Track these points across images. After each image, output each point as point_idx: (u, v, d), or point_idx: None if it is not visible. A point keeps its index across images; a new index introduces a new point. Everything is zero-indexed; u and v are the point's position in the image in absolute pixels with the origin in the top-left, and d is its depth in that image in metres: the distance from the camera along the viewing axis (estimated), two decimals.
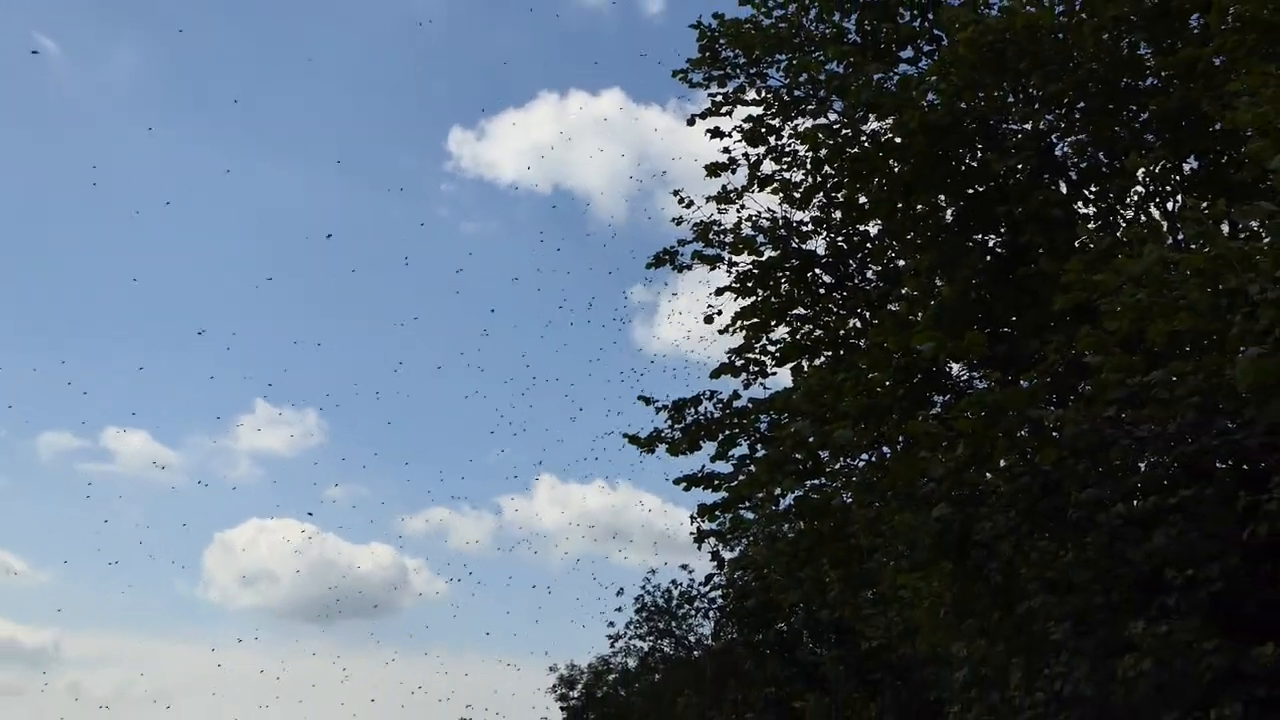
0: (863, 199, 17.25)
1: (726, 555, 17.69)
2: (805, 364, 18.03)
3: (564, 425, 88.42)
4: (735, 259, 18.29)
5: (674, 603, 22.23)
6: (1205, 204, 12.80)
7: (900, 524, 10.07)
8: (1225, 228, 9.81)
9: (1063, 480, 7.96)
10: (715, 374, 18.86)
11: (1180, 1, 14.60)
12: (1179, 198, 15.24)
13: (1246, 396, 6.98)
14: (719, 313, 19.11)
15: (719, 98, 18.44)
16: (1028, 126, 16.45)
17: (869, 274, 18.07)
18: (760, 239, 18.07)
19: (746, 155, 18.32)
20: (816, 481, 17.09)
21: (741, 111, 18.24)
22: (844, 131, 17.37)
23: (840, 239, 18.04)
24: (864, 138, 17.16)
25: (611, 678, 27.32)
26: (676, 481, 18.64)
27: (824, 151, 17.39)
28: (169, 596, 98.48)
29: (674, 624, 21.46)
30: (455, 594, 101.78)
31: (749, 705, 9.38)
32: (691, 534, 18.60)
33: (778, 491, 17.14)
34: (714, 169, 18.47)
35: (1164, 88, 15.17)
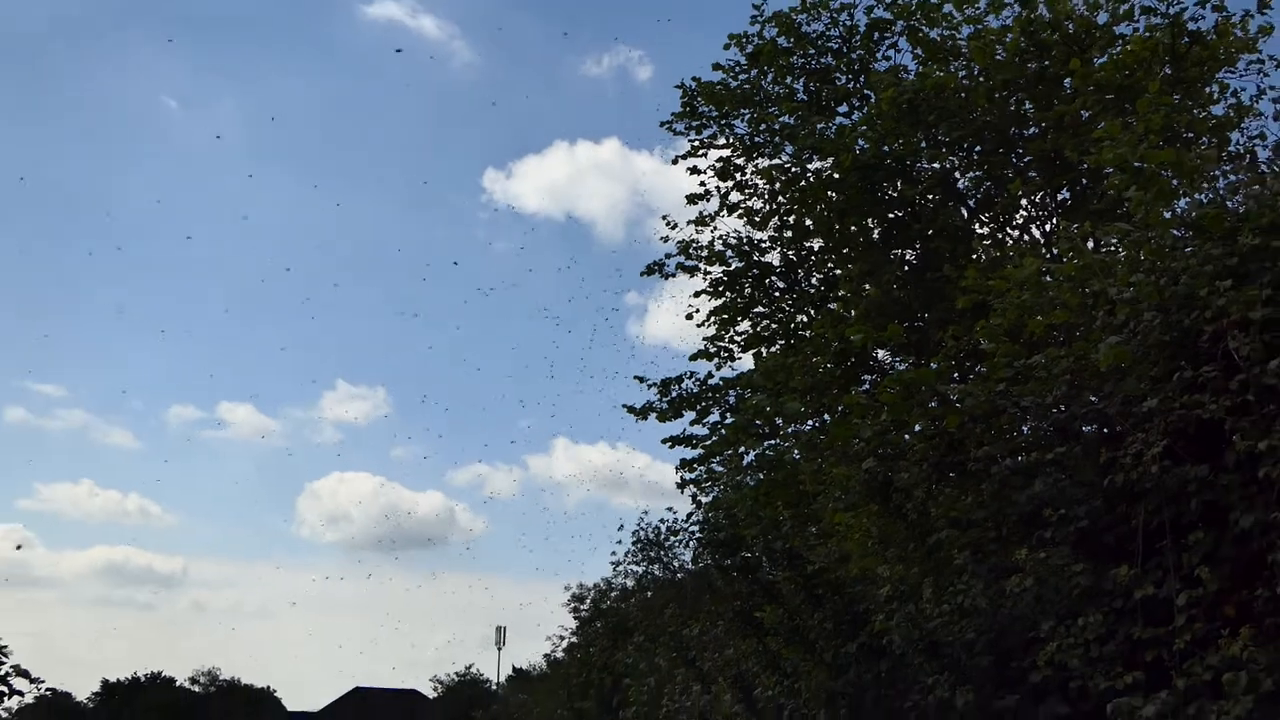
0: (808, 221, 18.21)
1: (703, 499, 18.52)
2: (763, 350, 18.71)
3: (575, 399, 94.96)
4: (709, 269, 19.35)
5: (662, 536, 22.64)
6: (1074, 225, 13.21)
7: (837, 475, 10.02)
8: (1090, 243, 9.91)
9: (964, 440, 8.13)
10: (693, 358, 19.79)
11: (1054, 69, 15.39)
12: (1054, 220, 16.08)
13: (1106, 375, 6.98)
14: (697, 311, 19.59)
15: (696, 143, 19.26)
16: (935, 165, 17.07)
17: (813, 280, 18.71)
18: (728, 253, 18.78)
19: (718, 188, 19.10)
20: (772, 442, 17.96)
21: (714, 154, 19.11)
22: (793, 169, 18.20)
23: (790, 253, 18.70)
24: (809, 174, 17.96)
25: (613, 594, 27.91)
26: (663, 441, 19.64)
27: (778, 185, 18.36)
28: (270, 533, 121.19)
29: (662, 553, 21.80)
30: (491, 530, 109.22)
31: (720, 615, 10.07)
32: (676, 483, 19.35)
33: (742, 450, 18.34)
34: (692, 198, 19.39)
35: (1042, 135, 15.91)
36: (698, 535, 16.54)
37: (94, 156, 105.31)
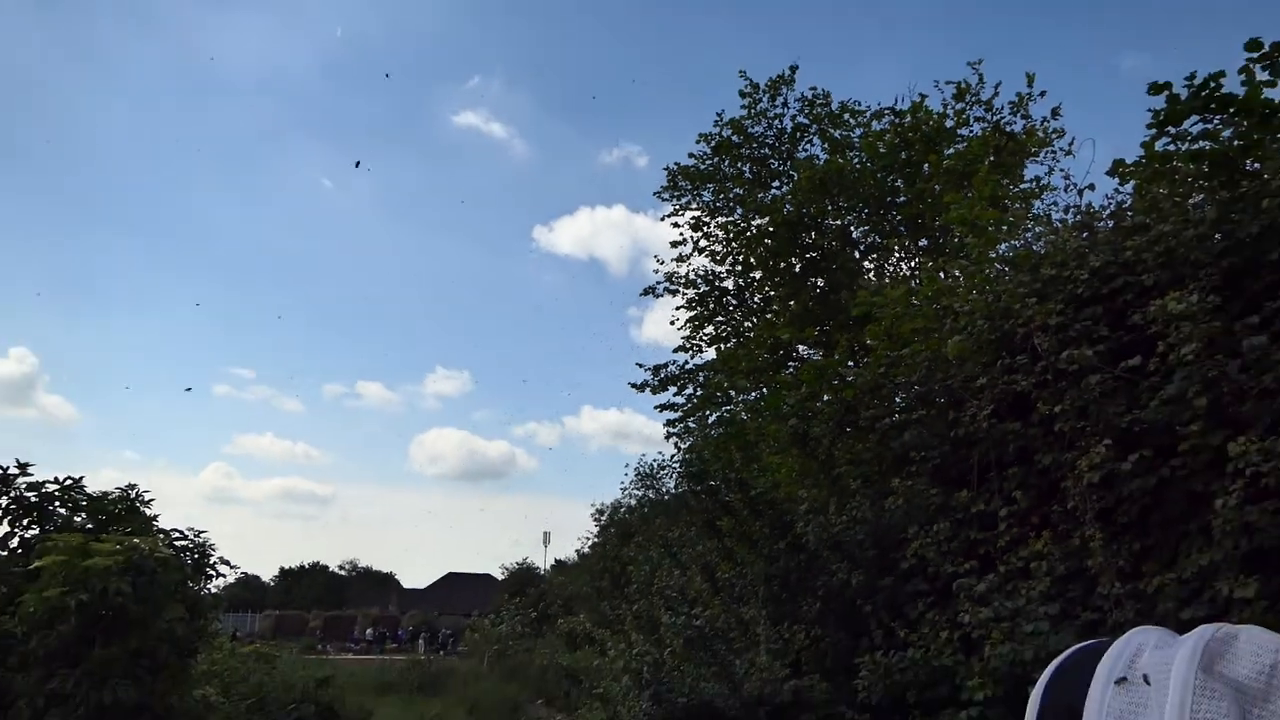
0: (752, 260, 17.97)
1: (681, 446, 18.05)
2: (722, 346, 18.62)
3: (597, 378, 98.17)
4: (686, 291, 18.55)
5: (654, 471, 22.85)
6: (930, 263, 13.59)
7: (771, 430, 9.95)
8: (941, 275, 9.93)
9: (857, 406, 8.00)
10: (675, 351, 19.07)
11: (917, 158, 15.46)
12: (917, 260, 15.90)
13: (952, 362, 6.80)
14: (677, 320, 18.88)
15: (677, 207, 18.58)
16: (837, 222, 17.24)
17: (755, 299, 18.50)
18: (699, 281, 18.59)
19: (691, 237, 18.40)
20: (728, 408, 17.70)
21: (689, 214, 18.46)
22: (742, 225, 17.99)
23: (740, 281, 18.41)
24: (753, 228, 17.76)
25: (622, 510, 28.04)
26: (655, 407, 19.47)
27: (731, 235, 18.08)
28: (393, 468, 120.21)
29: (654, 482, 22.00)
30: (540, 468, 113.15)
31: (692, 523, 10.11)
32: (664, 435, 19.20)
33: (707, 413, 18.28)
34: (674, 244, 18.56)
35: (909, 203, 15.91)
36: (678, 470, 16.68)
37: (278, 219, 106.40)
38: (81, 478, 9.29)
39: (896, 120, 16.54)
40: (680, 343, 18.91)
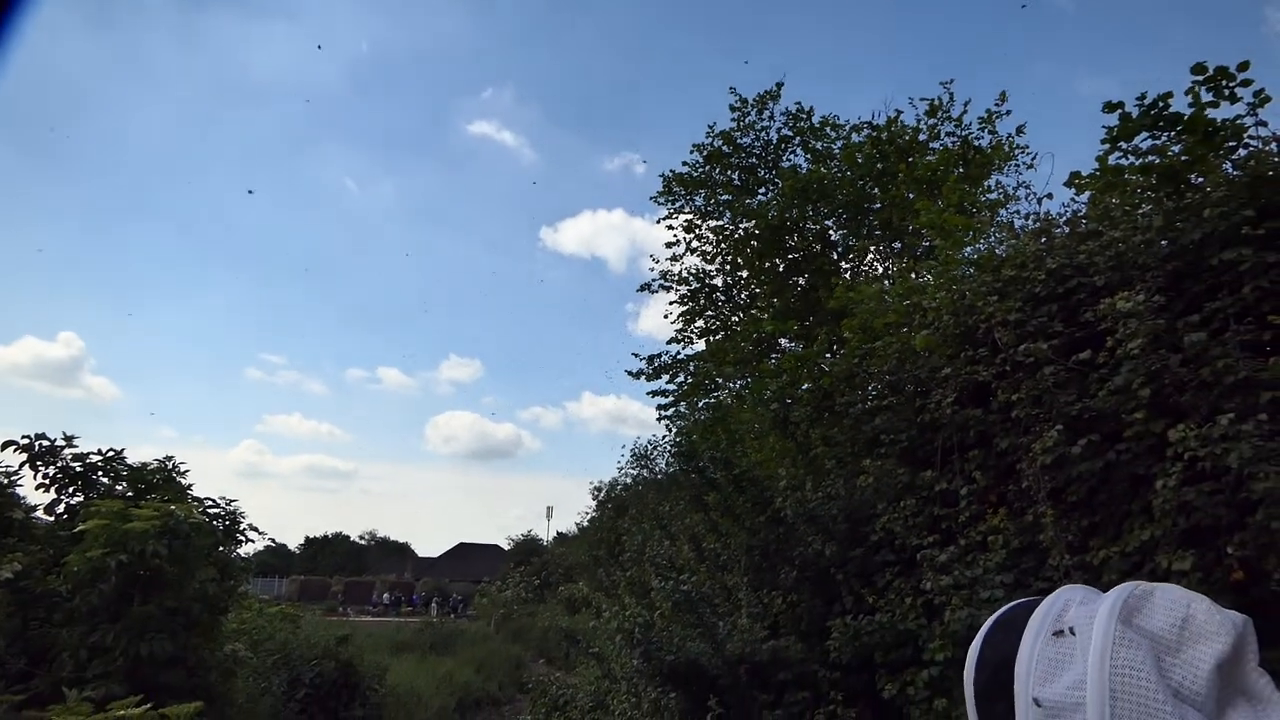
0: (739, 260, 17.95)
1: (673, 428, 18.02)
2: (711, 338, 18.51)
3: (595, 367, 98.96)
4: (679, 288, 18.52)
5: (649, 452, 22.85)
6: (902, 264, 13.82)
7: (755, 414, 10.02)
8: (912, 275, 9.89)
9: (833, 393, 7.96)
10: (668, 342, 19.05)
11: (891, 168, 15.39)
12: (890, 261, 15.87)
13: (920, 354, 6.76)
14: (670, 314, 18.98)
15: (671, 210, 18.50)
16: (817, 227, 17.16)
17: (742, 295, 18.39)
18: (691, 279, 18.47)
19: (684, 238, 18.35)
20: (716, 394, 17.40)
21: (682, 217, 18.41)
22: (730, 228, 17.94)
23: (728, 279, 18.32)
24: (740, 231, 17.72)
25: (619, 488, 28.06)
26: (648, 393, 19.43)
27: (721, 237, 18.05)
28: (409, 448, 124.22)
29: (649, 462, 22.06)
30: (544, 449, 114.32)
31: (681, 498, 10.09)
32: (657, 419, 19.05)
33: (697, 399, 18.10)
34: (669, 244, 18.53)
35: (884, 209, 15.74)
36: (670, 450, 16.63)
37: (302, 215, 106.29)
38: (123, 450, 9.29)
39: (873, 133, 16.51)
40: (673, 335, 18.85)
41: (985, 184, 15.10)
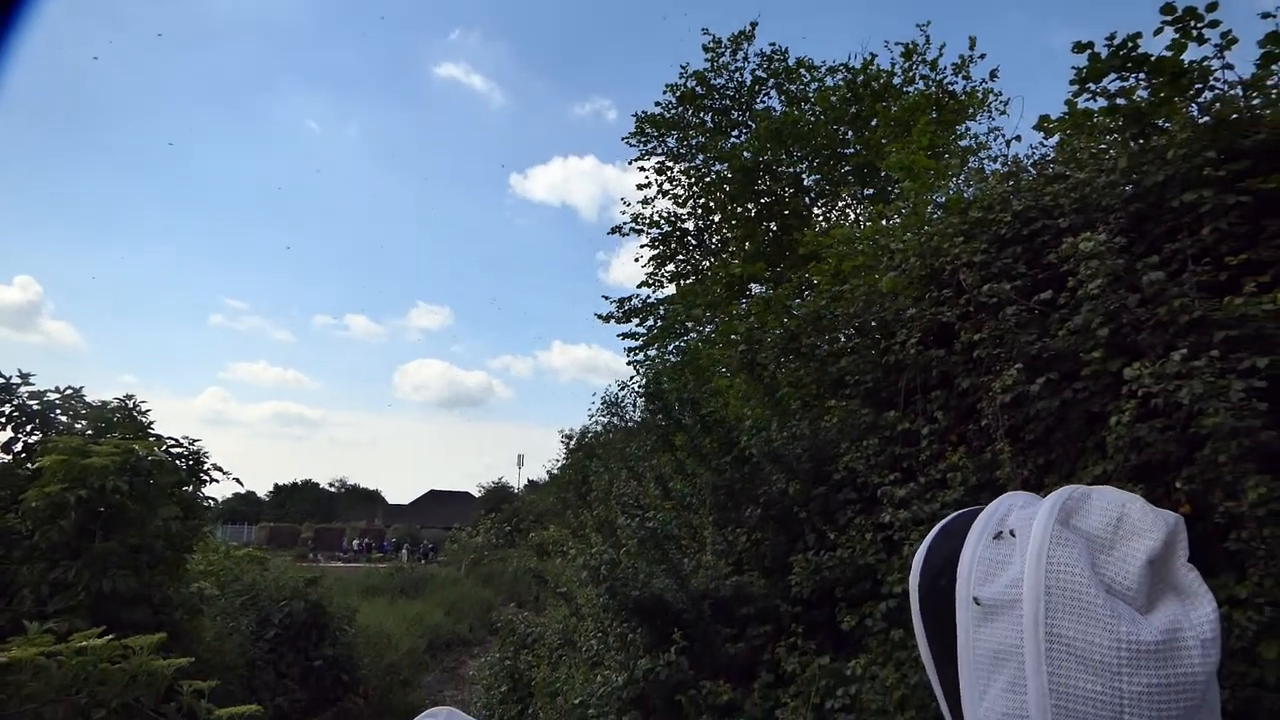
0: (711, 204, 17.92)
1: (643, 370, 18.15)
2: (681, 282, 18.31)
3: (566, 314, 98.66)
4: (650, 232, 18.46)
5: (619, 398, 22.73)
6: (873, 207, 13.41)
7: (722, 356, 10.19)
8: (882, 219, 9.88)
9: (800, 334, 7.91)
10: (639, 286, 19.01)
11: (865, 112, 15.48)
12: (861, 205, 15.83)
13: (886, 295, 6.73)
14: (641, 258, 18.71)
15: (643, 152, 18.29)
16: (790, 170, 17.04)
17: (714, 240, 18.40)
18: (662, 223, 18.32)
19: (656, 181, 18.16)
20: (687, 338, 17.45)
21: (654, 160, 18.20)
22: (703, 171, 17.83)
23: (700, 223, 18.29)
24: (713, 174, 17.67)
25: (589, 436, 28.02)
26: (619, 336, 19.21)
27: (693, 180, 17.93)
28: (378, 396, 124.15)
29: (619, 410, 21.82)
30: (515, 397, 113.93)
31: (649, 440, 10.17)
32: (627, 363, 19.03)
33: (667, 341, 18.17)
34: (640, 187, 18.31)
35: (857, 153, 15.95)
36: (639, 391, 16.69)
37: (270, 154, 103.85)
38: (81, 388, 9.14)
39: (849, 76, 16.40)
40: (644, 279, 18.88)
41: (958, 130, 15.17)
